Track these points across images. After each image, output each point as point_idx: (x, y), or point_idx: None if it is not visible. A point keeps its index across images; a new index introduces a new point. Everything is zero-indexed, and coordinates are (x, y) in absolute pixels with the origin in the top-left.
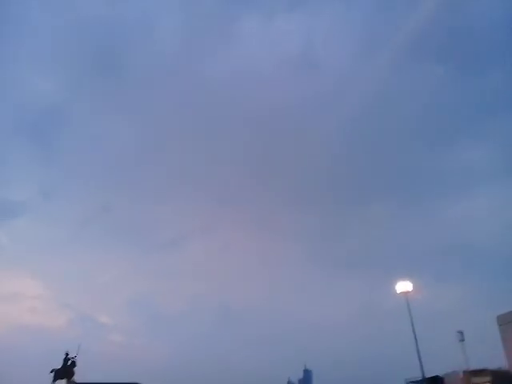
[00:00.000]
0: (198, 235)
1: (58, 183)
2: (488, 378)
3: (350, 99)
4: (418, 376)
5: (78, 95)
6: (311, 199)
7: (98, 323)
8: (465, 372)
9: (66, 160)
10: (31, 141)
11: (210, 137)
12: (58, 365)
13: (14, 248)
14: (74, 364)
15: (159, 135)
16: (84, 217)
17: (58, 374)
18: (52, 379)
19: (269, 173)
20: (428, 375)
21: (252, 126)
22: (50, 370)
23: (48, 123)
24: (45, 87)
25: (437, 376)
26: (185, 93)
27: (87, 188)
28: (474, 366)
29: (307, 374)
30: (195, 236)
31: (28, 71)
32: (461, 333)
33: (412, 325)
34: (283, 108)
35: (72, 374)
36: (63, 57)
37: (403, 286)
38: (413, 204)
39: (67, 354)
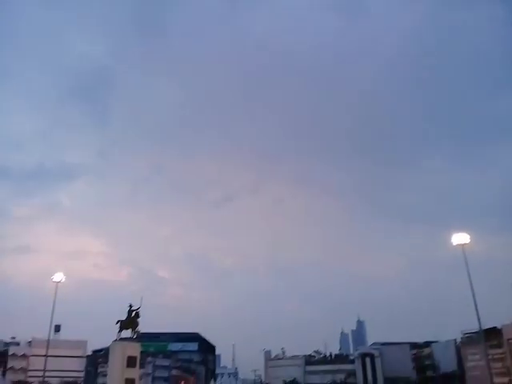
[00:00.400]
0: (249, 192)
1: (112, 144)
2: None
3: (391, 43)
4: (475, 328)
5: (126, 57)
6: (363, 154)
7: (158, 277)
8: None
9: (119, 122)
10: (85, 104)
11: (255, 97)
12: (123, 316)
13: (75, 208)
14: (137, 315)
15: (207, 95)
16: (139, 176)
17: (124, 324)
18: (118, 329)
19: (315, 129)
20: (485, 327)
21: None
22: (116, 321)
23: (100, 86)
24: (94, 51)
25: (494, 327)
26: (229, 49)
27: (140, 148)
28: None
29: (360, 324)
30: (246, 193)
31: (77, 36)
32: None
33: (469, 276)
34: (325, 57)
35: (136, 324)
36: (110, 21)
37: (460, 238)
38: (469, 154)
39: (131, 306)
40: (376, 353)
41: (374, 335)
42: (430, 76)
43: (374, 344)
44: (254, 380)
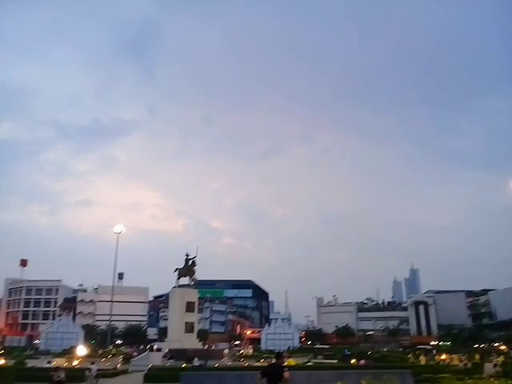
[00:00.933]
0: (298, 143)
1: (162, 99)
2: None
3: None
4: None
5: (173, 10)
6: (414, 99)
7: (211, 228)
8: None
9: (168, 76)
10: (135, 59)
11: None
12: (181, 265)
13: (131, 163)
14: (194, 264)
15: (256, 46)
16: (189, 129)
17: (182, 272)
18: (177, 277)
19: (365, 76)
20: None
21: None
22: (174, 269)
23: (148, 40)
24: (141, 3)
25: None
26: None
27: (190, 101)
28: None
29: (414, 273)
30: (295, 143)
31: None
32: None
33: None
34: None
35: (193, 272)
36: None
37: None
38: None
39: (187, 255)
40: (430, 300)
41: (428, 284)
42: (486, 12)
43: (427, 292)
44: (307, 325)
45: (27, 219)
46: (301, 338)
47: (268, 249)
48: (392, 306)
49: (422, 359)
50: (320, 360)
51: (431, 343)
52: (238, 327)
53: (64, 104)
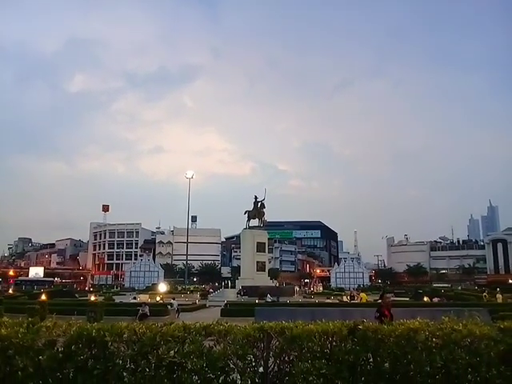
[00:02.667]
0: (369, 76)
1: (227, 42)
2: None
3: None
4: None
5: None
6: (502, 23)
7: (279, 170)
8: None
9: (231, 18)
10: (196, 1)
11: None
12: (250, 207)
13: (198, 108)
14: (263, 206)
15: None
16: (255, 71)
17: (251, 214)
18: (247, 219)
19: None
20: None
21: None
22: (244, 211)
23: None
24: None
25: None
26: None
27: (254, 43)
28: None
29: (492, 210)
30: (365, 77)
31: None
32: None
33: None
34: None
35: (262, 214)
36: None
37: None
38: None
39: (256, 198)
40: (509, 238)
41: (508, 221)
42: None
43: (507, 230)
44: (378, 264)
45: (106, 167)
46: (371, 276)
47: (336, 189)
48: (468, 244)
49: (499, 297)
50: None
51: (510, 281)
52: (308, 266)
53: (132, 53)
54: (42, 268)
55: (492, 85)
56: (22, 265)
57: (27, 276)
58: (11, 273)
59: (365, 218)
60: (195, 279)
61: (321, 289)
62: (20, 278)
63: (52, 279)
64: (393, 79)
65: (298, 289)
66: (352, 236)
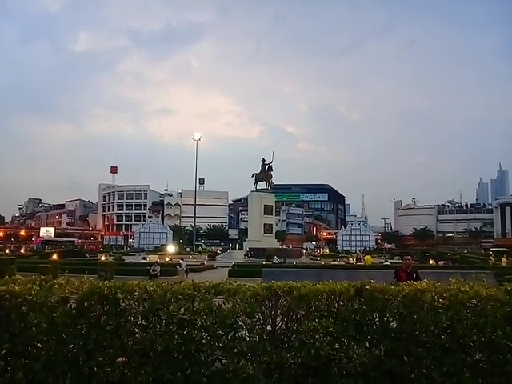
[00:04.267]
0: (378, 37)
1: (230, 1)
2: None
3: None
4: None
5: None
6: None
7: (286, 133)
8: None
9: None
10: None
11: None
12: (257, 170)
13: (203, 69)
14: (270, 168)
15: None
16: (262, 30)
17: (259, 177)
18: (254, 182)
19: None
20: None
21: None
22: (252, 174)
23: None
24: None
25: None
26: None
27: (261, 1)
28: None
29: (502, 174)
30: (374, 38)
31: None
32: None
33: None
34: None
35: (270, 177)
36: None
37: None
38: None
39: (264, 161)
40: None
41: None
42: None
43: None
44: (384, 228)
45: (113, 129)
46: (377, 239)
47: (344, 152)
48: (476, 208)
49: (504, 261)
50: (397, 260)
51: None
52: (315, 229)
53: (135, 11)
54: (53, 228)
55: (507, 46)
56: (33, 225)
57: (38, 236)
58: (22, 233)
59: (372, 182)
60: (203, 241)
61: (327, 251)
62: (46, 238)
63: (74, 239)
64: (403, 40)
65: (304, 251)
66: (359, 199)
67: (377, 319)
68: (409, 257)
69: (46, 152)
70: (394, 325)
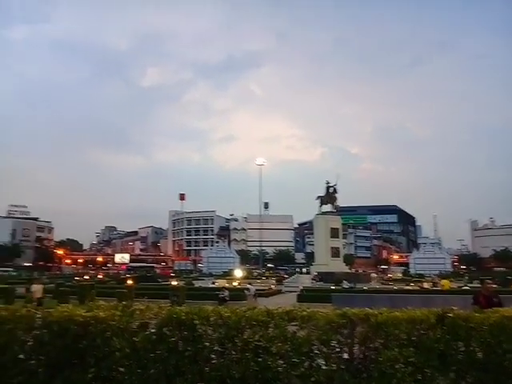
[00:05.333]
0: (442, 51)
1: (290, 24)
2: None
3: None
4: None
5: None
6: None
7: (350, 154)
8: None
9: (293, 4)
10: None
11: None
12: (321, 192)
13: (264, 95)
14: (335, 191)
15: None
16: (321, 53)
17: (323, 200)
18: (319, 204)
19: None
20: None
21: None
22: (316, 196)
23: None
24: None
25: None
26: None
27: (320, 23)
28: None
29: None
30: (439, 53)
31: None
32: None
33: None
34: None
35: (335, 199)
36: None
37: None
38: None
39: (328, 183)
40: None
41: None
42: None
43: None
44: (460, 250)
45: (180, 157)
46: (453, 262)
47: (412, 172)
48: None
49: None
50: (476, 284)
51: None
52: (384, 252)
53: (199, 44)
54: (128, 254)
55: None
56: (109, 251)
57: (114, 262)
58: (100, 259)
59: (444, 201)
60: (269, 265)
61: (399, 275)
62: (131, 264)
63: (153, 265)
64: (469, 53)
65: (374, 275)
66: (431, 220)
67: (461, 349)
68: (489, 281)
69: (119, 181)
70: (481, 355)
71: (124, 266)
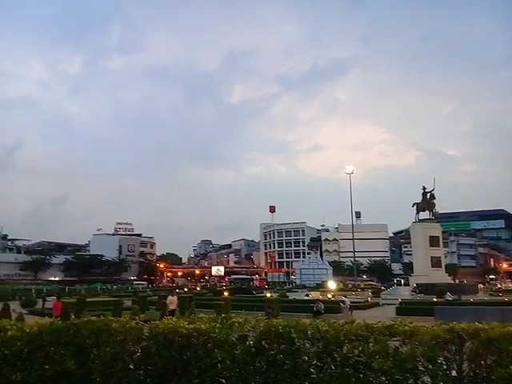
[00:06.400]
0: None
1: (374, 26)
2: None
3: None
4: None
5: None
6: None
7: (447, 156)
8: None
9: (375, 6)
10: None
11: None
12: (417, 199)
13: (351, 101)
14: (432, 196)
15: None
16: (408, 53)
17: (420, 206)
18: (415, 211)
19: None
20: None
21: None
22: (412, 203)
23: None
24: None
25: None
26: None
27: (405, 21)
28: None
29: None
30: None
31: None
32: None
33: None
34: None
35: (433, 205)
36: None
37: None
38: None
39: (424, 189)
40: None
41: None
42: None
43: None
44: None
45: (268, 170)
46: None
47: None
48: None
49: None
50: None
51: None
52: (492, 261)
53: (282, 57)
54: (223, 267)
55: None
56: (206, 264)
57: (210, 274)
58: (197, 271)
59: None
60: (364, 276)
61: (510, 285)
62: (233, 276)
63: (252, 277)
64: None
65: (481, 286)
66: None
67: None
68: None
69: (212, 196)
70: None
71: (227, 279)
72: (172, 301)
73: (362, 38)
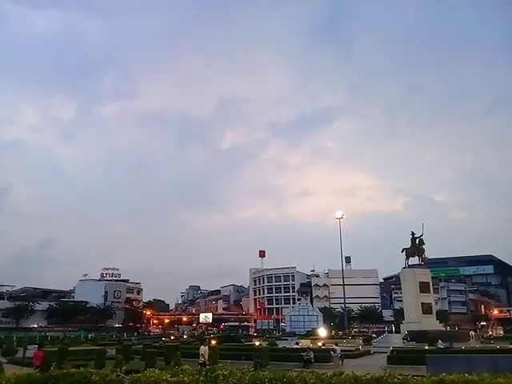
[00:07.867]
0: None
1: (361, 75)
2: None
3: None
4: None
5: None
6: None
7: (435, 202)
8: None
9: (363, 48)
10: (327, 41)
11: None
12: (406, 244)
13: (339, 148)
14: (422, 242)
15: None
16: (394, 102)
17: (409, 252)
18: (405, 257)
19: None
20: None
21: None
22: (401, 249)
23: (336, 18)
24: None
25: None
26: None
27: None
28: None
29: None
30: None
31: None
32: None
33: None
34: None
35: (422, 251)
36: None
37: None
38: None
39: (413, 234)
40: None
41: None
42: None
43: None
44: None
45: (259, 215)
46: None
47: (506, 219)
48: None
49: None
50: None
51: None
52: (482, 307)
53: (272, 105)
54: (211, 314)
55: None
56: (194, 311)
57: (198, 321)
58: (184, 319)
59: None
60: (355, 323)
61: (501, 332)
62: (227, 323)
63: (247, 324)
64: None
65: (473, 333)
66: None
67: None
68: None
69: (201, 240)
70: None
71: (222, 326)
72: (205, 351)
73: (350, 86)
